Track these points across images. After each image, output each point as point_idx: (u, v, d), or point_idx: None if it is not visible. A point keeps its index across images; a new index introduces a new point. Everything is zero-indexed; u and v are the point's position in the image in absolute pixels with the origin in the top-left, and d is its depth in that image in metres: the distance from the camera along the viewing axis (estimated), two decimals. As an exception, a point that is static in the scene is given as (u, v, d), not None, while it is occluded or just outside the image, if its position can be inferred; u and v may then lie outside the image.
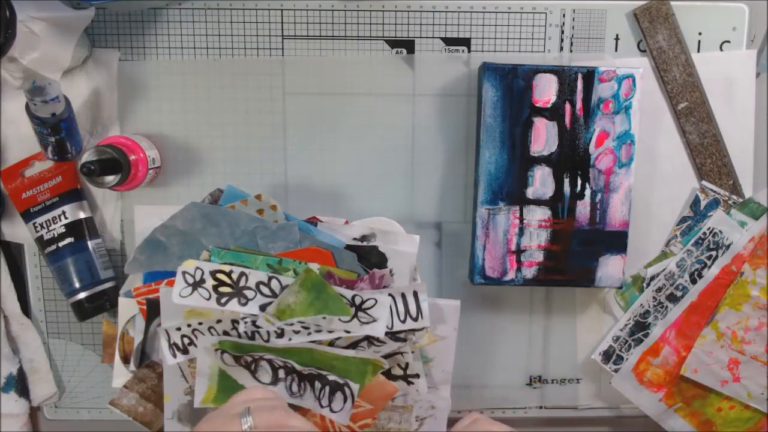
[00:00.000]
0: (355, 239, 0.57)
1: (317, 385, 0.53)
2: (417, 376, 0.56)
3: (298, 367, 0.53)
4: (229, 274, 0.54)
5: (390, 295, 0.53)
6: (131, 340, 0.58)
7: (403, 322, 0.53)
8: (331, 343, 0.55)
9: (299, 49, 0.59)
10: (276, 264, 0.55)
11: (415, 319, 0.53)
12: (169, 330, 0.55)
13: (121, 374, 0.58)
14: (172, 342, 0.55)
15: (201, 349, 0.54)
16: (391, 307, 0.53)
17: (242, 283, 0.54)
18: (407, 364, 0.56)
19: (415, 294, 0.53)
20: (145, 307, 0.56)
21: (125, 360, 0.58)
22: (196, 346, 0.55)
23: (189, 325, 0.55)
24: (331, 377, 0.53)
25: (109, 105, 0.59)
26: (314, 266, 0.55)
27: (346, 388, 0.52)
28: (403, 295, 0.54)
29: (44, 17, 0.49)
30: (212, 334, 0.55)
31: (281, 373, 0.54)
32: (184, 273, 0.54)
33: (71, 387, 0.64)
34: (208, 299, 0.54)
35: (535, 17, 0.59)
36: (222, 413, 0.45)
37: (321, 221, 0.57)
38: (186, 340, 0.55)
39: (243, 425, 0.43)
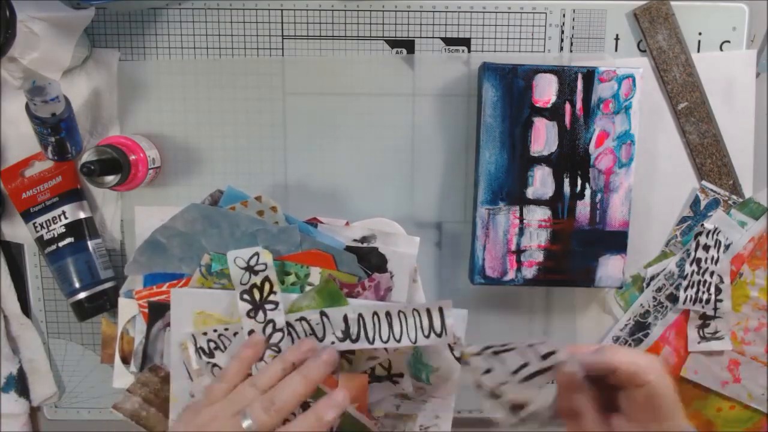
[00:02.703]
0: (355, 240, 0.57)
1: None
2: (401, 375, 0.55)
3: None
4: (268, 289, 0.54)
5: (415, 310, 0.52)
6: (131, 341, 0.58)
7: (427, 337, 0.51)
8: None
9: (299, 49, 0.59)
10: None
11: (439, 335, 0.51)
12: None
13: (121, 375, 0.58)
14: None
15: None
16: (415, 321, 0.52)
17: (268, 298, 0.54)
18: (390, 363, 0.55)
19: (440, 310, 0.51)
20: (146, 311, 0.56)
21: (125, 360, 0.58)
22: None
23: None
24: None
25: (109, 105, 0.59)
26: (316, 270, 0.55)
27: None
28: (428, 311, 0.52)
29: (44, 17, 0.49)
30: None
31: None
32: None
33: (71, 387, 0.64)
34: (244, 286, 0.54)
35: (535, 17, 0.59)
36: (219, 410, 0.46)
37: (322, 222, 0.57)
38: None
39: (243, 424, 0.44)
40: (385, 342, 0.52)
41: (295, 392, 0.46)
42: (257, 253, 0.53)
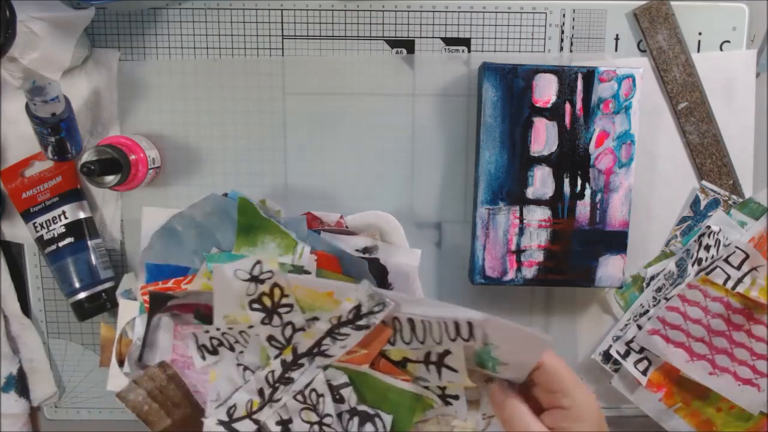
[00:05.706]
0: (357, 250, 0.56)
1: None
2: (456, 397, 0.50)
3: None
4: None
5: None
6: (129, 343, 0.57)
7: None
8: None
9: (299, 49, 0.59)
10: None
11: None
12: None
13: (116, 376, 0.58)
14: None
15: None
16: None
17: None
18: (445, 386, 0.50)
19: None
20: (147, 298, 0.56)
21: (121, 363, 0.58)
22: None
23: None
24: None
25: (109, 105, 0.59)
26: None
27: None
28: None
29: (44, 17, 0.49)
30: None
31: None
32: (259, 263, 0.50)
33: (71, 387, 0.64)
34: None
35: (535, 17, 0.59)
36: None
37: (315, 216, 0.56)
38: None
39: None
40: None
41: None
42: (259, 262, 0.50)
